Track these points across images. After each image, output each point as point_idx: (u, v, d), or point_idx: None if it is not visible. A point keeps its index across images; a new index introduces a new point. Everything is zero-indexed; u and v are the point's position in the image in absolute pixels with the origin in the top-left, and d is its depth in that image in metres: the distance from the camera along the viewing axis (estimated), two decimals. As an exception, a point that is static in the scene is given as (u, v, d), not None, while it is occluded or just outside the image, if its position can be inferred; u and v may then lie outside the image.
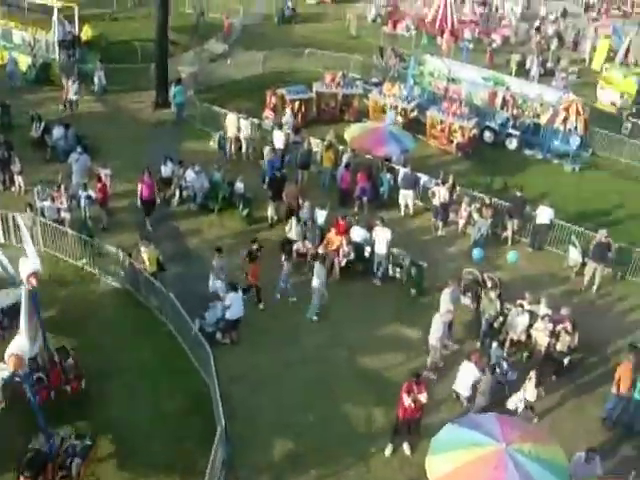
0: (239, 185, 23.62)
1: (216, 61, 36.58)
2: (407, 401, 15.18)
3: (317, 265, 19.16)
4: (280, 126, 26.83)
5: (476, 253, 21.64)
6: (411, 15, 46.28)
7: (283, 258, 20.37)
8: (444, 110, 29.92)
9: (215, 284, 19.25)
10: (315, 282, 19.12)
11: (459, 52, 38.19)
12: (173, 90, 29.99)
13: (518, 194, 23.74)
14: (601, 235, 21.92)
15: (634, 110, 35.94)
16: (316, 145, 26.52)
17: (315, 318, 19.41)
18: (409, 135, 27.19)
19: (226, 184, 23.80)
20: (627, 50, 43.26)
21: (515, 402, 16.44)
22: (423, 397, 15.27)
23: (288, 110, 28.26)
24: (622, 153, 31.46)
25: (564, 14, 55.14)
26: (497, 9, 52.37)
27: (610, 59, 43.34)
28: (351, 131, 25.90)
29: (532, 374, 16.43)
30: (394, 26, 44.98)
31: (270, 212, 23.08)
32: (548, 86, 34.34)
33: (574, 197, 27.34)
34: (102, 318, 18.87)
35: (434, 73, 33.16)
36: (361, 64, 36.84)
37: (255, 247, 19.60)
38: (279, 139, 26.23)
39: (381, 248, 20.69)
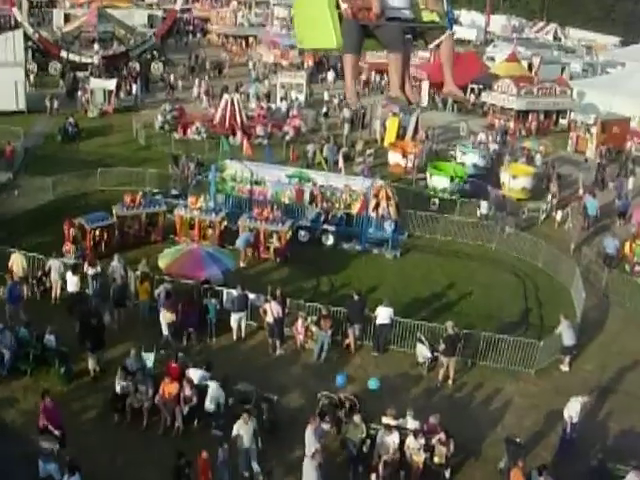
0: (49, 338, 20.84)
1: (1, 193, 33.40)
2: None
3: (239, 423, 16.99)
4: (74, 268, 24.12)
5: (339, 380, 20.11)
6: (199, 118, 45.20)
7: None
8: (255, 217, 28.55)
9: (46, 468, 16.35)
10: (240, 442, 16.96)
11: (259, 152, 37.31)
12: (-43, 236, 26.72)
13: (355, 298, 22.61)
14: (449, 327, 21.15)
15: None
16: (128, 276, 24.29)
17: None
18: (227, 252, 25.66)
19: (35, 339, 20.94)
20: (416, 125, 44.40)
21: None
22: None
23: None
24: (436, 230, 31.50)
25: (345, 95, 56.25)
26: (283, 100, 52.42)
27: (400, 136, 44.28)
28: (165, 257, 23.93)
29: None
30: (184, 131, 43.46)
31: (91, 364, 20.45)
32: (354, 175, 34.19)
33: (403, 286, 26.77)
34: None
35: (236, 178, 32.04)
36: (157, 176, 34.81)
37: (182, 462, 16.10)
38: (72, 282, 23.49)
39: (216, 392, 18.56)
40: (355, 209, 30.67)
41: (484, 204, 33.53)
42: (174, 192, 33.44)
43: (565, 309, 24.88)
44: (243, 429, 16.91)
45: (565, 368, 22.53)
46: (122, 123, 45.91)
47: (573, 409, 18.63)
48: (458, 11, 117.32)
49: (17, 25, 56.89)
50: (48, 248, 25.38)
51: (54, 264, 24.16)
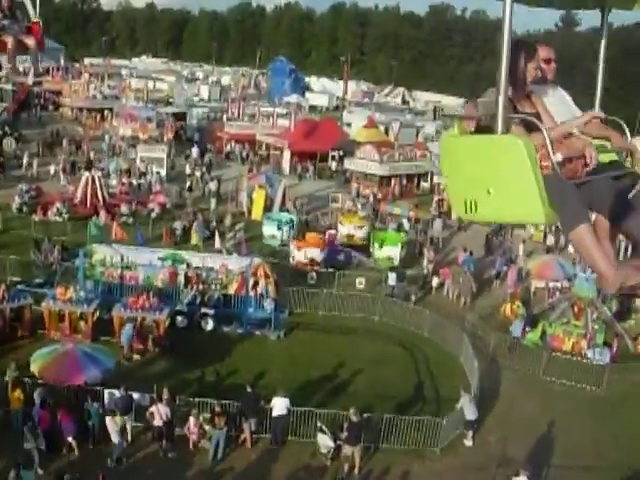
0: None
1: None
2: None
3: None
4: None
5: None
6: (59, 197, 42.79)
7: None
8: (130, 306, 26.82)
9: None
10: None
11: (127, 232, 35.59)
12: None
13: (249, 390, 21.33)
14: (351, 414, 20.15)
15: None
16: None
17: None
18: (104, 349, 23.64)
19: None
20: (283, 197, 44.03)
21: None
22: None
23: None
24: (318, 305, 30.77)
25: (209, 168, 55.61)
26: (144, 175, 50.91)
27: (268, 208, 43.76)
28: (37, 359, 21.84)
29: None
30: (44, 212, 40.84)
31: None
32: (231, 255, 33.06)
33: (292, 369, 25.61)
34: None
35: (105, 262, 30.24)
36: (19, 264, 32.27)
37: None
38: None
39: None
40: (232, 289, 29.58)
41: (392, 276, 32.93)
42: (38, 281, 31.15)
43: (457, 378, 24.82)
44: None
45: (469, 443, 22.05)
46: (-25, 210, 42.86)
47: None
48: (308, 78, 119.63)
49: None
50: None
51: None
